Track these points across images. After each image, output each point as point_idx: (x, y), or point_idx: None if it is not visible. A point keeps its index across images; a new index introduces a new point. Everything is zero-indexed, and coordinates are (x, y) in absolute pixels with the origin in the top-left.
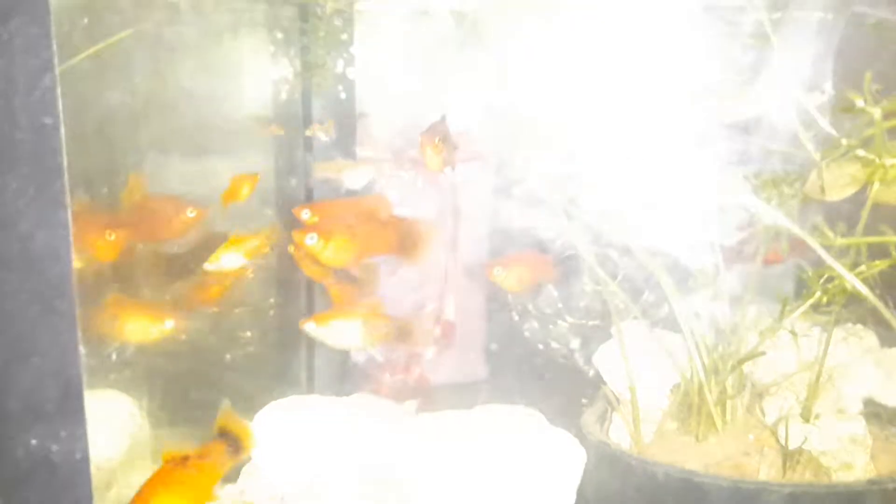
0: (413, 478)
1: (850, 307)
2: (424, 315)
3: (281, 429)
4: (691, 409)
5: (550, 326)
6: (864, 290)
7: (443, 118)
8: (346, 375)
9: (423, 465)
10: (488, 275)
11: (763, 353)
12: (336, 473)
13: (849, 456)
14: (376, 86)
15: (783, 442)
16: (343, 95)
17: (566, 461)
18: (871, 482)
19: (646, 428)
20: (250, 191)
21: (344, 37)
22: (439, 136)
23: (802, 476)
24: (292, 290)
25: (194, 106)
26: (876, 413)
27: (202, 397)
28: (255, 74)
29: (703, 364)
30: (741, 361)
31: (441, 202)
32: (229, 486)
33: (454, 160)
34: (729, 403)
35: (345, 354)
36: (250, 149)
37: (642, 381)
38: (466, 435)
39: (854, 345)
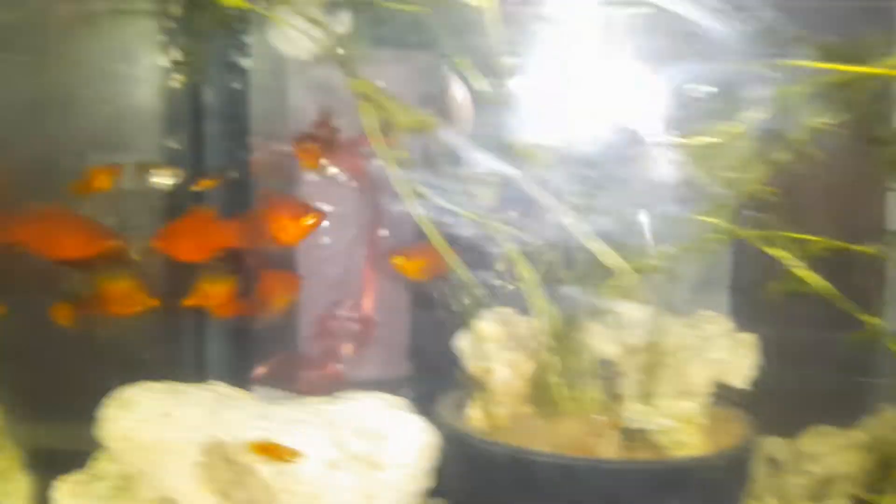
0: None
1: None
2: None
3: (129, 412)
4: (543, 392)
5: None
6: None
7: (325, 115)
8: (242, 367)
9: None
10: (389, 264)
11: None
12: (178, 451)
13: (682, 434)
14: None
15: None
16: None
17: (416, 445)
18: (694, 458)
19: (502, 411)
20: (108, 184)
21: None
22: (319, 132)
23: (639, 454)
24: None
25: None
26: (723, 394)
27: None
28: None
29: (554, 348)
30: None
31: (359, 198)
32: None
33: (336, 157)
34: (579, 386)
35: (244, 346)
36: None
37: (499, 366)
38: (312, 421)
39: (707, 330)
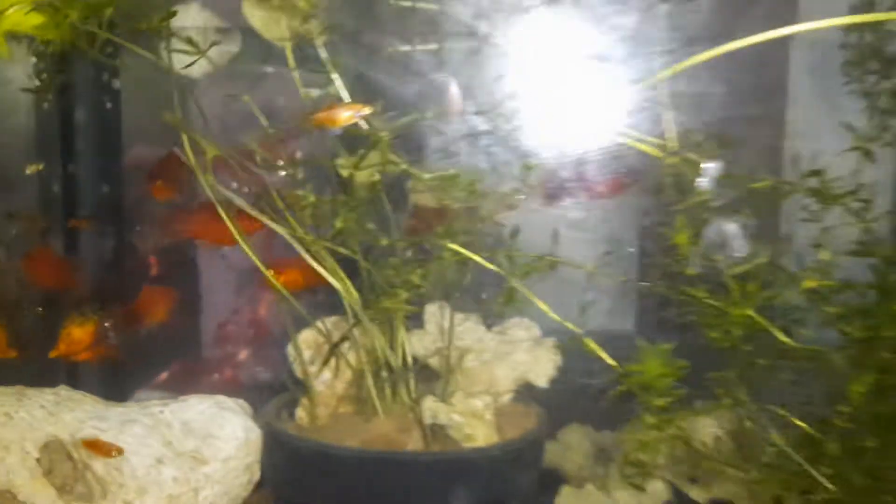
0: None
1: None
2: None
3: None
4: (361, 394)
5: None
6: None
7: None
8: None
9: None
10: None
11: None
12: (18, 449)
13: (471, 429)
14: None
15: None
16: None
17: (238, 443)
18: (477, 449)
19: (324, 412)
20: None
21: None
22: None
23: (437, 447)
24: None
25: None
26: (526, 393)
27: None
28: None
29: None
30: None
31: None
32: None
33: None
34: (392, 387)
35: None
36: None
37: (321, 370)
38: (145, 421)
39: (516, 335)
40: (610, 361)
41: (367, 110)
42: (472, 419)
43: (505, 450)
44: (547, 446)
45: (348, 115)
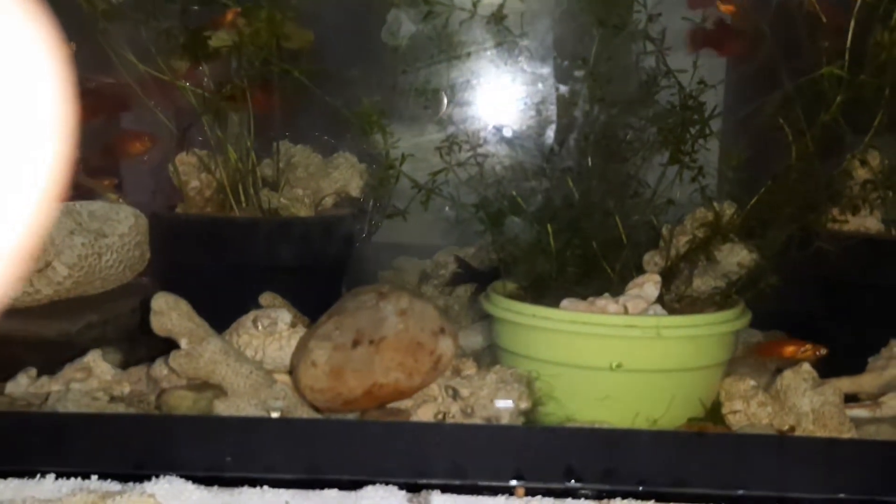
0: None
1: None
2: None
3: None
4: (221, 197)
5: None
6: None
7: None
8: None
9: None
10: None
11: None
12: None
13: (295, 210)
14: None
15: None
16: None
17: (132, 224)
18: (294, 217)
19: (195, 211)
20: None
21: None
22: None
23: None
24: None
25: None
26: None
27: None
28: None
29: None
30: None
31: None
32: None
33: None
34: (244, 192)
35: None
36: None
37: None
38: (60, 208)
39: (338, 161)
40: None
41: None
42: (296, 202)
43: (317, 220)
44: (383, 274)
45: None
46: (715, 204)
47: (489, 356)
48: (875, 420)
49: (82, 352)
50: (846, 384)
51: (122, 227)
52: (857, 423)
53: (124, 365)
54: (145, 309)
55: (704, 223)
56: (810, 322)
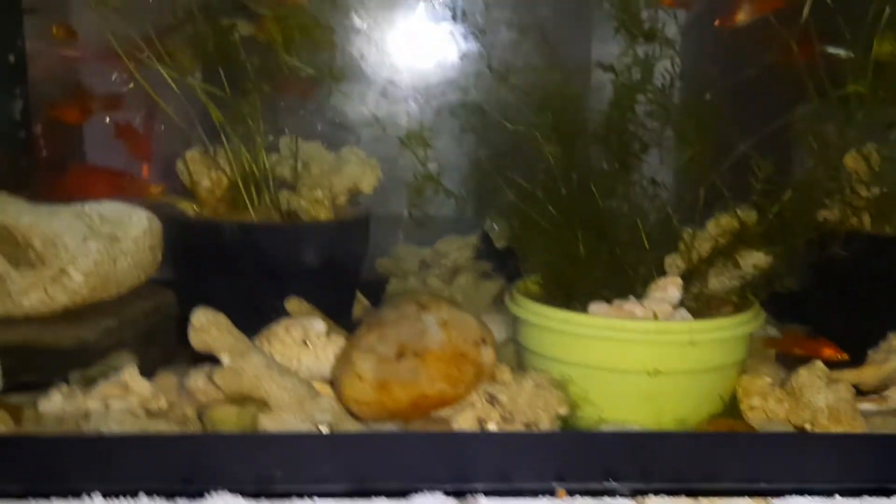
0: None
1: None
2: None
3: None
4: (234, 196)
5: None
6: None
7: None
8: None
9: None
10: None
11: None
12: None
13: (315, 212)
14: None
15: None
16: None
17: (146, 228)
18: (316, 222)
19: (207, 212)
20: None
21: None
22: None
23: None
24: None
25: None
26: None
27: None
28: None
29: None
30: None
31: None
32: None
33: None
34: (257, 191)
35: None
36: None
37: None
38: (67, 211)
39: (349, 157)
40: None
41: None
42: (315, 204)
43: (337, 224)
44: (380, 261)
45: None
46: (738, 211)
47: (510, 351)
48: (881, 413)
49: (99, 357)
50: (849, 376)
51: (135, 230)
52: (864, 416)
53: (141, 370)
54: (160, 313)
55: (728, 229)
56: (827, 316)
